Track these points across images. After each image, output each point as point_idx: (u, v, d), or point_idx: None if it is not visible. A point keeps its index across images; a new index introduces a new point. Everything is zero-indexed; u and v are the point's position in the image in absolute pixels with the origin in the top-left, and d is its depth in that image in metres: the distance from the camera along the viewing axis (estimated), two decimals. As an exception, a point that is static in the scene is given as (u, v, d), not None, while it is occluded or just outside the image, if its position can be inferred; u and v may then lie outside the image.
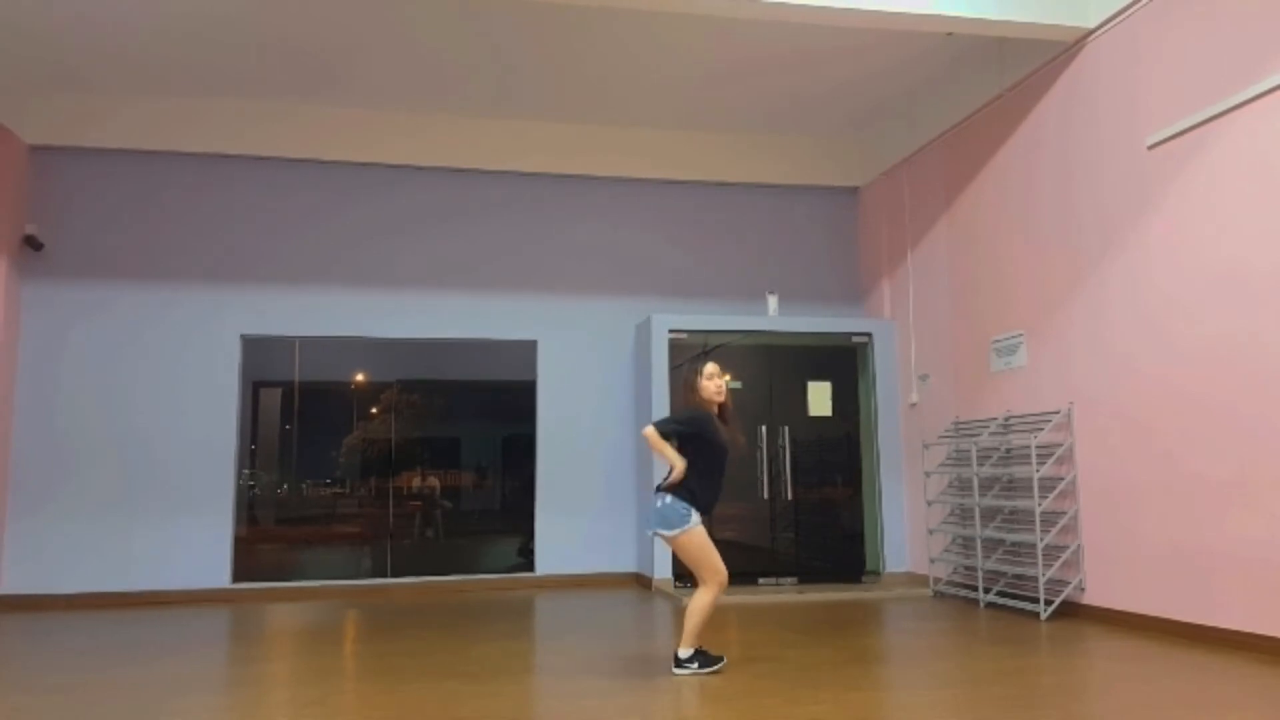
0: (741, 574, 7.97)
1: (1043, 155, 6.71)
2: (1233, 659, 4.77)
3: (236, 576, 7.92)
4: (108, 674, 4.84)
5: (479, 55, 7.31)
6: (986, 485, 7.11)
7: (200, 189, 8.26)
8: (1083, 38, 6.27)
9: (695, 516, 4.56)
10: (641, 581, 8.22)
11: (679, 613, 6.67)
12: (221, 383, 8.06)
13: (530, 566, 8.46)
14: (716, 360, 4.83)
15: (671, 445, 4.59)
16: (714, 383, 4.66)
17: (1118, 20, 6.00)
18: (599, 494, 8.55)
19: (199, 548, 7.83)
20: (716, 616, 6.53)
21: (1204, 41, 5.35)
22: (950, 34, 6.52)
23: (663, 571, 7.78)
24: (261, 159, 8.33)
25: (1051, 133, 6.62)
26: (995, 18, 6.07)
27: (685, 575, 7.62)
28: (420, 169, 8.65)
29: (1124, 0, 5.89)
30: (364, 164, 8.51)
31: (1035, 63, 6.69)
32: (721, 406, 4.71)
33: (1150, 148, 5.69)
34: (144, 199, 8.15)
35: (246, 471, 8.19)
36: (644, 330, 8.40)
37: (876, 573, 8.33)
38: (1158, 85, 5.68)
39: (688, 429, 4.64)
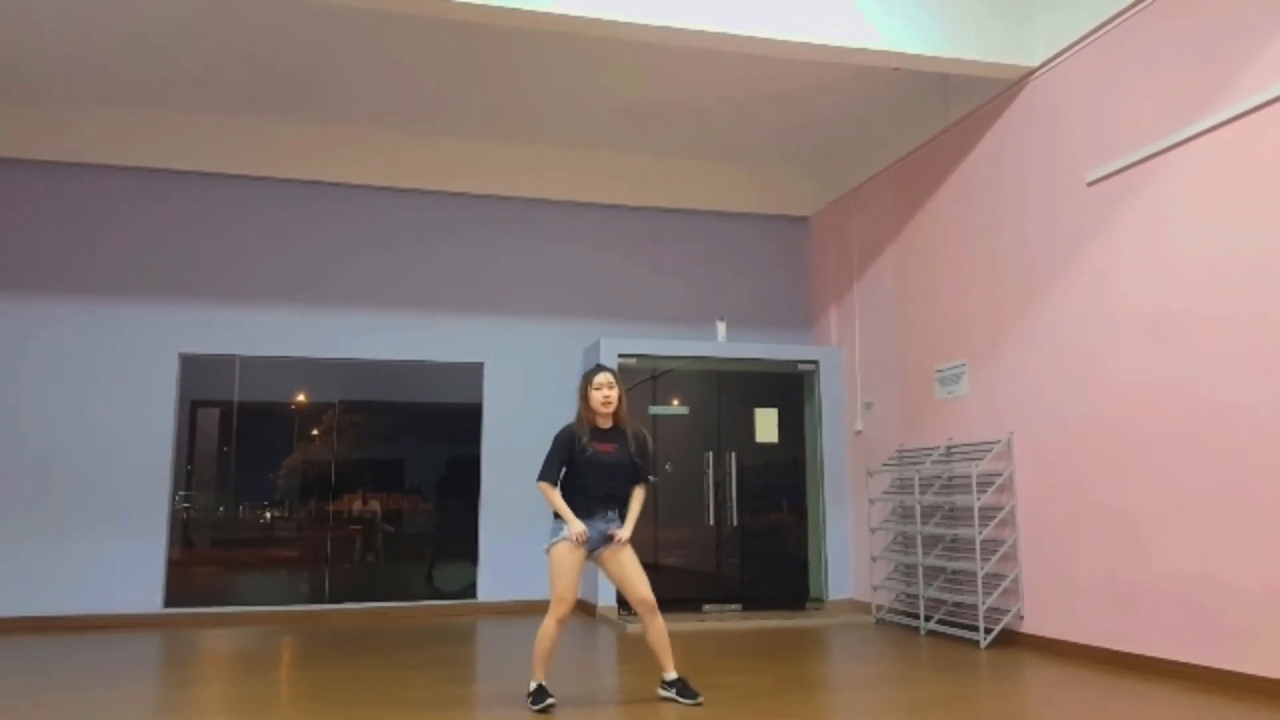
0: (686, 600, 7.97)
1: (983, 189, 6.85)
2: (1163, 687, 4.86)
3: (169, 601, 7.71)
4: (32, 701, 4.66)
5: (430, 75, 7.29)
6: (929, 513, 7.18)
7: (140, 204, 8.09)
8: (1026, 75, 6.43)
9: (563, 532, 4.54)
10: (585, 608, 8.15)
11: (622, 640, 6.63)
12: (158, 401, 7.87)
13: (435, 591, 8.41)
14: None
15: (556, 487, 4.62)
16: (600, 393, 4.60)
17: (1061, 59, 6.16)
18: (544, 519, 8.44)
19: (130, 571, 7.61)
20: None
21: (1146, 81, 5.51)
22: (897, 69, 6.64)
23: (606, 599, 7.72)
24: (204, 175, 8.19)
25: (993, 167, 6.76)
26: (941, 54, 6.20)
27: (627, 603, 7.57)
28: (366, 188, 8.57)
29: (1067, 40, 6.06)
30: (308, 182, 8.41)
31: (980, 99, 6.85)
32: (615, 416, 4.65)
33: (1090, 184, 5.84)
34: (82, 213, 7.96)
35: (182, 493, 7.99)
36: (592, 354, 8.39)
37: (820, 600, 8.36)
38: (1098, 123, 5.83)
39: (556, 456, 4.61)
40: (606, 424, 4.65)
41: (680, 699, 4.52)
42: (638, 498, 4.69)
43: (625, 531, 4.60)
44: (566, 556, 4.52)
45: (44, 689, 5.01)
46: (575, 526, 4.50)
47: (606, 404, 4.61)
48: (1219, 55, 5.04)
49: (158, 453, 7.81)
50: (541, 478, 4.61)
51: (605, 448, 4.60)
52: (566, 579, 4.48)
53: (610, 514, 4.61)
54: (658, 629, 4.59)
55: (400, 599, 8.25)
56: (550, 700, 4.37)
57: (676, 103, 7.74)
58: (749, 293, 9.34)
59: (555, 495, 4.60)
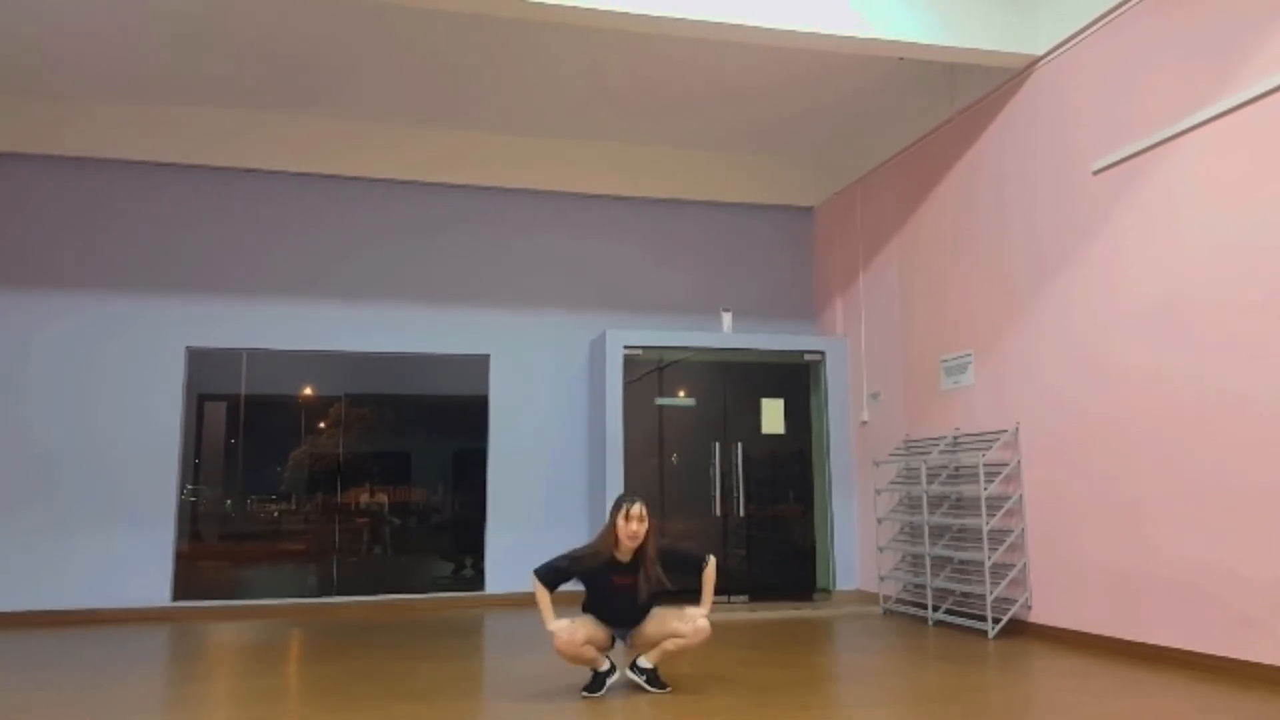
0: (692, 592, 7.95)
1: (988, 179, 6.82)
2: (1171, 676, 4.86)
3: (177, 594, 7.74)
4: (40, 696, 4.69)
5: (433, 68, 7.27)
6: (936, 503, 7.18)
7: (147, 198, 8.10)
8: (1031, 64, 6.40)
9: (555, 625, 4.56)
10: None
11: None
12: (165, 395, 7.89)
13: (443, 584, 8.44)
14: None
15: (548, 591, 4.56)
16: (631, 526, 4.50)
17: (1066, 47, 6.13)
18: (550, 511, 8.49)
19: (139, 564, 7.64)
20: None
21: (1151, 68, 5.48)
22: (901, 59, 6.62)
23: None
24: (210, 169, 8.20)
25: (998, 156, 6.74)
26: (945, 44, 6.18)
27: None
28: (372, 181, 8.57)
29: (1072, 28, 6.03)
30: (314, 175, 8.41)
31: (985, 88, 6.82)
32: (640, 549, 4.58)
33: (1096, 173, 5.82)
34: (89, 207, 7.97)
35: (189, 486, 8.01)
36: (598, 346, 8.39)
37: (827, 590, 8.37)
38: (1104, 111, 5.81)
39: (565, 567, 4.59)
40: (626, 557, 4.59)
41: (650, 687, 4.63)
42: (709, 579, 4.72)
43: (704, 609, 4.69)
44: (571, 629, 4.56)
45: (53, 683, 5.04)
46: (557, 631, 4.48)
47: (633, 538, 4.53)
48: (1225, 42, 5.01)
49: (165, 446, 7.83)
50: (539, 571, 4.56)
51: (623, 581, 4.58)
52: (565, 634, 4.50)
53: (623, 630, 4.72)
54: (694, 643, 4.60)
55: (408, 591, 8.27)
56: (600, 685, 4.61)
57: (680, 94, 7.72)
58: (754, 284, 9.33)
59: (543, 596, 4.54)
